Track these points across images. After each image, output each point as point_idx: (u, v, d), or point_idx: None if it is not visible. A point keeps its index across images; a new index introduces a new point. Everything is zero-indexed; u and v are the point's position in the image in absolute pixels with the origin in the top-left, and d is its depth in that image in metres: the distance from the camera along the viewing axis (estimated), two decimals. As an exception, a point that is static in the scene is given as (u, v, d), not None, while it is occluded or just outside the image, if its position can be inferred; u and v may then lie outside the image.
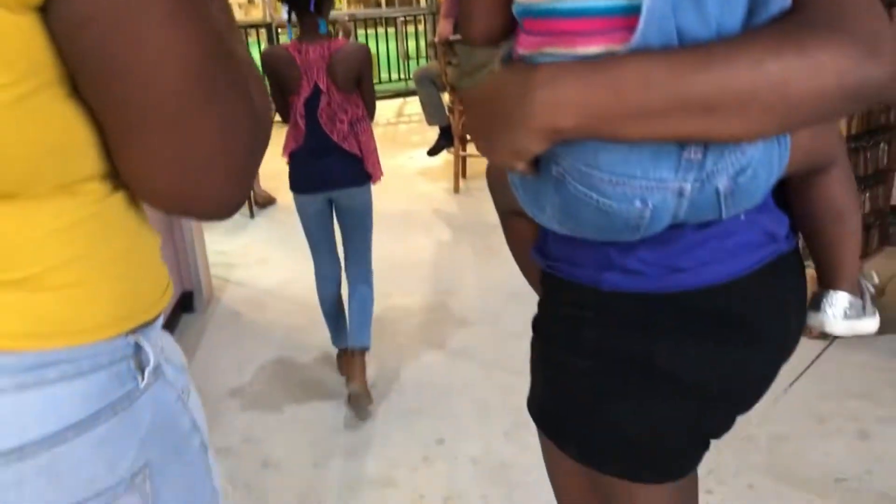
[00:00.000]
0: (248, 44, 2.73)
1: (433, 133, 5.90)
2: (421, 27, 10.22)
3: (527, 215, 0.89)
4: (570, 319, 0.90)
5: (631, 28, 0.67)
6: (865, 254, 3.12)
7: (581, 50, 0.70)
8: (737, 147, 0.72)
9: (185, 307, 3.63)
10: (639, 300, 0.84)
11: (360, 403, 2.68)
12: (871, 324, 1.03)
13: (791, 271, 0.91)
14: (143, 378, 0.63)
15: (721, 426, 0.95)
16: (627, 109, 0.67)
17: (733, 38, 0.66)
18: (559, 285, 0.92)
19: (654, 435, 0.89)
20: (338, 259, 2.85)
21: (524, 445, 2.46)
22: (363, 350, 2.77)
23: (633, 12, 0.67)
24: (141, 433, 0.62)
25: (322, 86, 2.51)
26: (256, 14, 9.71)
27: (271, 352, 3.26)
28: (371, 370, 3.03)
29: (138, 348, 0.63)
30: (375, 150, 2.69)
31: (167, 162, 0.56)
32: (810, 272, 1.02)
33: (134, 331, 0.63)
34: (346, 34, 6.36)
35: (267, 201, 5.30)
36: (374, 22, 10.51)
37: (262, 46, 6.26)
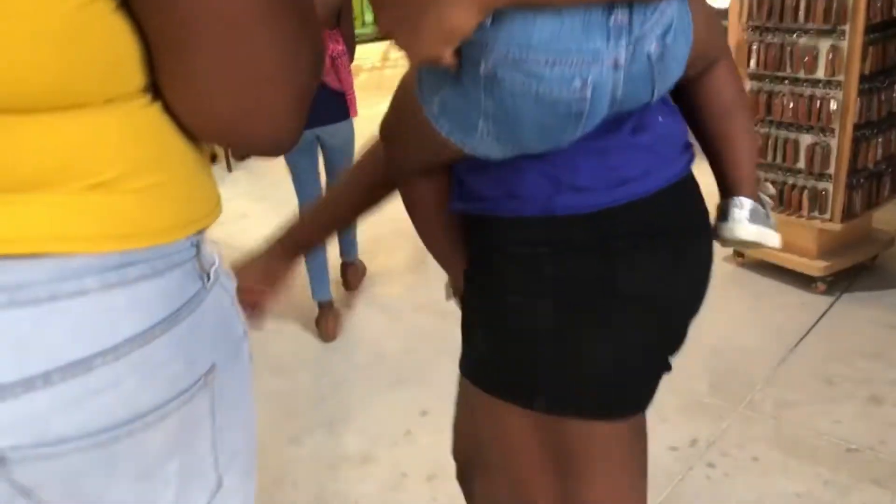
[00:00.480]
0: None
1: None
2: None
3: (429, 175, 0.91)
4: (522, 259, 0.88)
5: None
6: (876, 202, 2.93)
7: None
8: (657, 7, 0.76)
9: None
10: (592, 220, 0.86)
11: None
12: (776, 236, 1.05)
13: (695, 180, 0.97)
14: (207, 278, 0.65)
15: (678, 340, 1.00)
16: None
17: None
18: (501, 226, 0.89)
19: (622, 364, 0.90)
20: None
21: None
22: (353, 262, 3.18)
23: None
24: (210, 333, 0.65)
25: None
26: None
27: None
28: (352, 337, 2.87)
29: (200, 251, 0.65)
30: (353, 86, 2.80)
31: (224, 82, 0.56)
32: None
33: (196, 234, 0.64)
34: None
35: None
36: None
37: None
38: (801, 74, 2.73)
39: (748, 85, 2.88)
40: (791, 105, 2.77)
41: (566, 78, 0.73)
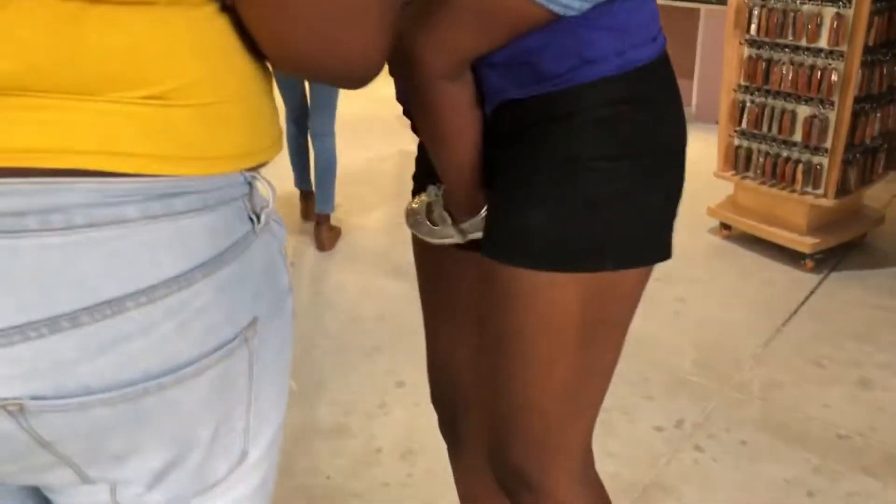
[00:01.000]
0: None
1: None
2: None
3: (460, 75, 0.88)
4: (601, 121, 0.89)
5: None
6: (870, 179, 2.86)
7: None
8: None
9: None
10: (651, 71, 0.91)
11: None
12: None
13: None
14: (258, 220, 0.59)
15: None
16: None
17: None
18: (577, 95, 0.88)
19: (672, 208, 0.96)
20: (306, 105, 3.09)
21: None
22: (328, 215, 3.11)
23: None
24: (254, 282, 0.59)
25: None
26: None
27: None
28: (324, 302, 2.74)
29: (252, 189, 0.59)
30: None
31: (317, 5, 0.53)
32: None
33: (251, 170, 0.59)
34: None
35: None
36: None
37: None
38: (803, 43, 2.62)
39: (745, 51, 2.76)
40: (790, 75, 2.67)
41: None
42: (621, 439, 2.01)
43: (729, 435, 2.04)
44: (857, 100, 2.60)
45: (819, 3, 2.56)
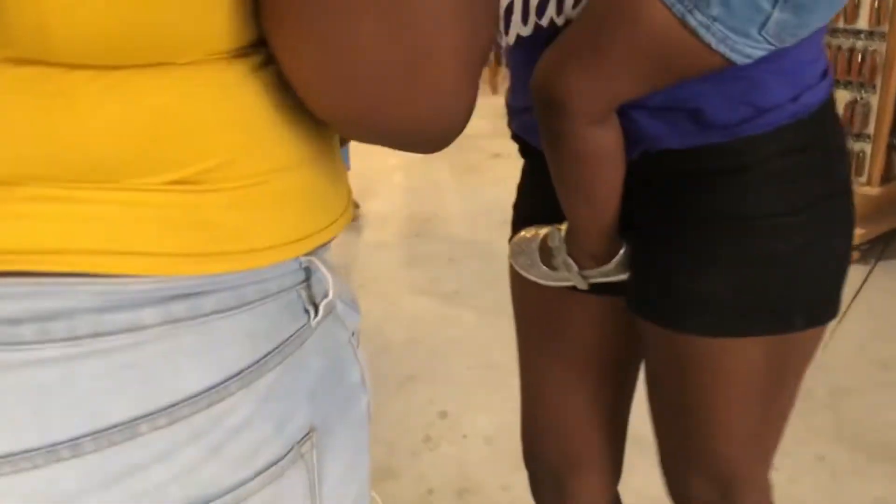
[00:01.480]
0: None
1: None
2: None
3: (607, 120, 0.82)
4: (775, 174, 0.83)
5: None
6: (888, 178, 2.74)
7: None
8: None
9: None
10: (822, 114, 0.85)
11: None
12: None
13: None
14: (315, 313, 0.50)
15: None
16: None
17: None
18: (749, 146, 0.82)
19: (849, 256, 0.91)
20: None
21: (545, 417, 2.07)
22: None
23: None
24: (310, 384, 0.49)
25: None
26: None
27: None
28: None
29: (310, 274, 0.50)
30: None
31: (383, 50, 0.39)
32: None
33: (309, 253, 0.49)
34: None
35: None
36: None
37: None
38: (841, 24, 2.49)
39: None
40: (829, 57, 2.53)
41: None
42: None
43: (804, 449, 1.91)
44: (899, 81, 2.48)
45: (855, -19, 2.44)
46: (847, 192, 0.90)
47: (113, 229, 0.41)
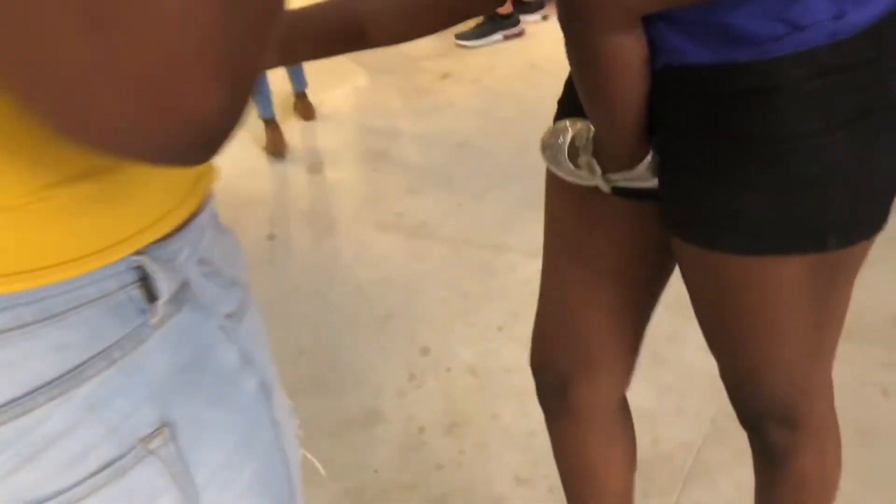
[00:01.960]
0: None
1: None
2: None
3: (631, 27, 0.80)
4: (812, 95, 0.80)
5: None
6: None
7: None
8: None
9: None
10: (870, 35, 0.79)
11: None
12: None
13: None
14: (153, 312, 0.48)
15: None
16: None
17: None
18: (781, 67, 0.79)
19: (891, 181, 0.88)
20: None
21: (527, 341, 2.04)
22: (304, 93, 3.47)
23: None
24: (155, 382, 0.49)
25: None
26: None
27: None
28: (320, 275, 2.53)
29: (148, 274, 0.48)
30: None
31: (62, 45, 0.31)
32: None
33: (141, 251, 0.47)
34: None
35: None
36: None
37: None
38: None
39: None
40: None
41: None
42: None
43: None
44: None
45: None
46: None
47: None
